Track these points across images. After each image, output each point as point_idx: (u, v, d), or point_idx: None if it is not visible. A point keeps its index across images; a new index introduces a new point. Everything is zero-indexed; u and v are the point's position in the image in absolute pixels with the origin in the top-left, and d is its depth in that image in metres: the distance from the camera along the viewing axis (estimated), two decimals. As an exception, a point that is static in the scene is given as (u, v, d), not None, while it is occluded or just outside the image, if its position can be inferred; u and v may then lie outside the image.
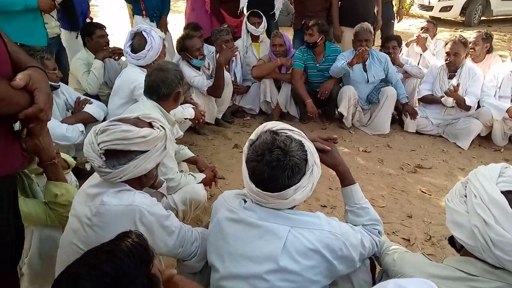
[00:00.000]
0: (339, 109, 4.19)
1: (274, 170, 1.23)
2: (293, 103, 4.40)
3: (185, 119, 2.99)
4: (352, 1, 4.50)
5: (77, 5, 3.89)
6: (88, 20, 4.12)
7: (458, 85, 3.81)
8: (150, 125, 1.48)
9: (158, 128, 1.48)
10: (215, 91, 3.72)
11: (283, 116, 4.45)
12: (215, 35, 4.22)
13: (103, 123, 1.44)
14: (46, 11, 3.20)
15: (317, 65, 4.26)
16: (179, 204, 2.18)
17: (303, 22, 4.45)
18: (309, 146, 1.31)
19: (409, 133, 4.15)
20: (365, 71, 4.10)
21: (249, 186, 1.28)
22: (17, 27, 3.00)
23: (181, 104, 2.86)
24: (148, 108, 2.27)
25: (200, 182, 2.35)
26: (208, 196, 2.46)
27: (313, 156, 1.31)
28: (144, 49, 3.00)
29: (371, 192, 3.02)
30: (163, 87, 2.28)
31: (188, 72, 3.65)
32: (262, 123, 3.92)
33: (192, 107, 3.08)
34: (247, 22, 4.54)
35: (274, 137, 1.27)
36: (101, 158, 1.37)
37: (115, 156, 1.38)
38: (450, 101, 3.90)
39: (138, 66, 3.05)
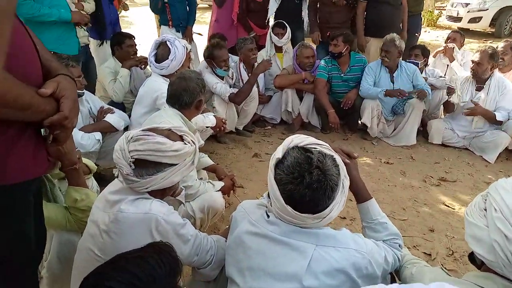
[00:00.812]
0: (362, 120, 4.14)
1: (315, 192, 1.18)
2: (315, 113, 4.39)
3: (207, 127, 3.02)
4: (378, 12, 4.46)
5: (106, 15, 4.04)
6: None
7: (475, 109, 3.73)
8: (181, 138, 1.50)
9: (189, 143, 1.49)
10: (238, 97, 3.77)
11: (305, 126, 4.45)
12: (239, 44, 4.27)
13: (136, 131, 1.45)
14: (78, 23, 3.35)
15: (342, 75, 4.24)
16: (197, 212, 2.20)
17: (328, 34, 4.44)
18: (339, 160, 1.28)
19: (434, 145, 4.06)
20: (392, 82, 4.05)
21: (285, 209, 1.21)
22: (51, 36, 3.18)
23: (202, 112, 2.90)
24: (170, 116, 2.32)
25: (218, 190, 2.36)
26: (226, 205, 2.47)
27: (344, 169, 1.28)
28: (167, 58, 3.07)
29: (392, 205, 2.96)
30: (185, 95, 2.33)
31: (211, 79, 3.72)
32: (283, 133, 4.00)
33: (214, 115, 3.11)
34: (271, 32, 4.58)
35: (309, 156, 1.21)
36: (131, 166, 1.38)
37: (145, 166, 1.39)
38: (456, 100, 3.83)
39: (161, 75, 3.12)
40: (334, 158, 1.26)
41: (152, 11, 4.90)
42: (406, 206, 2.94)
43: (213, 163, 2.71)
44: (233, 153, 3.80)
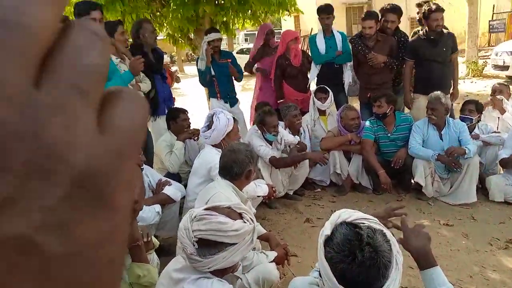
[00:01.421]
0: (415, 179, 4.04)
1: (369, 271, 1.16)
2: (365, 174, 4.34)
3: (258, 196, 3.09)
4: (427, 70, 4.48)
5: (160, 93, 4.39)
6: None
7: None
8: (241, 216, 1.56)
9: (248, 221, 1.55)
10: (278, 162, 3.86)
11: (355, 188, 4.39)
12: (283, 111, 4.44)
13: (199, 209, 1.53)
14: (137, 73, 3.54)
15: (389, 135, 4.23)
16: (252, 284, 2.19)
17: (368, 95, 4.52)
18: (390, 234, 1.26)
19: (495, 203, 3.83)
20: (441, 139, 3.98)
21: None
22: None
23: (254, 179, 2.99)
24: (223, 187, 2.43)
25: (272, 261, 2.36)
26: (280, 276, 2.45)
27: (395, 244, 1.26)
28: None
29: (457, 272, 2.77)
30: (235, 167, 2.45)
31: (257, 141, 3.89)
32: (333, 195, 3.95)
33: (265, 184, 3.19)
34: (313, 97, 4.73)
35: (358, 232, 1.20)
36: (194, 245, 1.44)
37: (207, 245, 1.45)
38: None
39: (214, 146, 3.29)
40: (385, 233, 1.24)
41: (202, 84, 5.25)
42: (473, 273, 2.75)
43: (266, 231, 2.73)
44: (284, 219, 3.79)
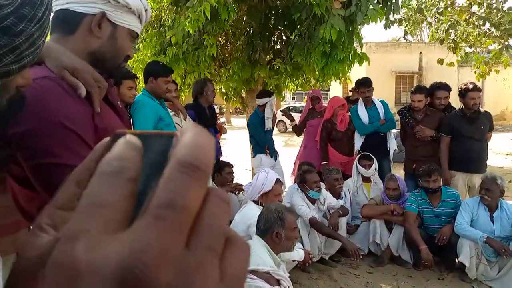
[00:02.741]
0: (459, 259, 3.84)
1: None
2: (406, 246, 4.19)
3: (293, 260, 3.07)
4: (464, 147, 4.42)
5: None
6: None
7: None
8: (278, 282, 1.60)
9: None
10: (316, 225, 3.83)
11: (395, 260, 4.23)
12: (325, 173, 4.48)
13: None
14: None
15: (434, 209, 4.12)
16: None
17: (413, 166, 4.48)
18: None
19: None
20: (492, 222, 3.81)
21: None
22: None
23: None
24: (258, 247, 2.44)
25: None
26: None
27: None
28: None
29: None
30: (261, 222, 2.51)
31: (298, 201, 3.90)
32: (371, 266, 3.80)
33: (302, 249, 3.17)
34: (357, 164, 4.74)
35: None
36: None
37: None
38: None
39: (254, 202, 3.38)
40: None
41: (263, 143, 5.34)
42: None
43: (298, 297, 2.70)
44: (317, 285, 3.70)
